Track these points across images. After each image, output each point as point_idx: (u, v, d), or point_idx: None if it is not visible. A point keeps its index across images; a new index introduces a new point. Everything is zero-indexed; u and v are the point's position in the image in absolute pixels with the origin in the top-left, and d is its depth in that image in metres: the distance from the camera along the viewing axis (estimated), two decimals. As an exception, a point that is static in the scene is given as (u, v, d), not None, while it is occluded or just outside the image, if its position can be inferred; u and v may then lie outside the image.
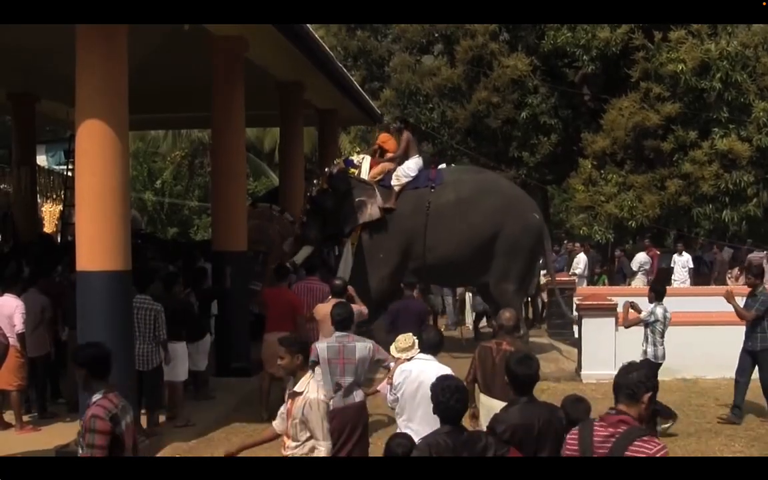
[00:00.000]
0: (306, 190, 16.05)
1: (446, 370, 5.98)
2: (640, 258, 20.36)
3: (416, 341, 6.83)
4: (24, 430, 9.76)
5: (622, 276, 21.11)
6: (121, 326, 8.83)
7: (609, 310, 13.31)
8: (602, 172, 21.30)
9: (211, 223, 15.21)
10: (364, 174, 14.41)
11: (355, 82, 18.71)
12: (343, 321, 7.25)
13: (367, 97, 20.17)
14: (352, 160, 14.76)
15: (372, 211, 13.83)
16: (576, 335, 14.00)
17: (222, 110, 12.76)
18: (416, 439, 5.26)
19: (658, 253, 21.39)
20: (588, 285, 19.67)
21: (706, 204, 20.18)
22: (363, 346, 7.17)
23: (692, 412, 11.20)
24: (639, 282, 20.03)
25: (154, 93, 16.07)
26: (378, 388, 7.20)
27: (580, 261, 20.34)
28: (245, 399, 11.47)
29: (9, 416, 10.03)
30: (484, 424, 7.09)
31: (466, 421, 5.25)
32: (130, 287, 9.12)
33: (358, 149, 30.10)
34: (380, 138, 15.36)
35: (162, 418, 10.00)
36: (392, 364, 6.89)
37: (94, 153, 8.68)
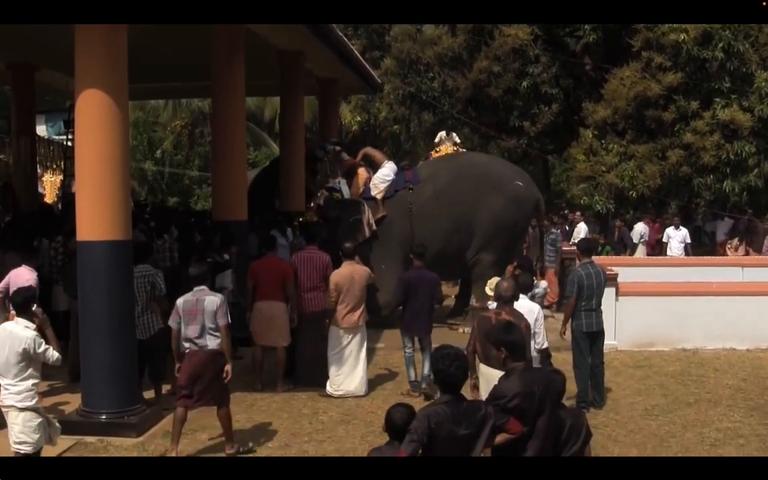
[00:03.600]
0: (306, 163, 16.09)
1: (537, 308, 8.15)
2: (639, 228, 20.38)
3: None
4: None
5: (622, 246, 21.10)
6: (122, 295, 8.87)
7: (610, 281, 13.27)
8: (603, 142, 21.21)
9: (212, 193, 15.20)
10: (347, 194, 14.65)
11: (356, 52, 18.61)
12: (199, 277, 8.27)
13: (367, 66, 20.06)
14: (332, 186, 14.99)
15: (366, 226, 13.97)
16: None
17: (222, 79, 12.71)
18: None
19: (657, 223, 21.37)
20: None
21: (707, 174, 20.10)
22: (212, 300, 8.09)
23: (692, 382, 11.25)
24: (640, 252, 20.04)
25: (154, 62, 16.00)
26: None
27: (581, 230, 20.30)
28: (243, 369, 11.54)
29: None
30: (484, 394, 7.13)
31: (466, 392, 5.30)
32: (130, 257, 9.14)
33: (358, 118, 30.07)
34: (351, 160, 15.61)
35: (168, 387, 10.06)
36: (492, 306, 7.98)
37: (94, 123, 8.66)
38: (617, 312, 12.97)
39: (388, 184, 14.38)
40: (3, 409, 6.87)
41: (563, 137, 24.31)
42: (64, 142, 20.50)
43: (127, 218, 8.97)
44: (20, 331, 6.75)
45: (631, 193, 20.51)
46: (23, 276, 9.15)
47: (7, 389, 6.75)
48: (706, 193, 21.35)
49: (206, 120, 34.06)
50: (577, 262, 10.45)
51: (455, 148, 17.84)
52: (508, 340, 5.47)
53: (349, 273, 10.44)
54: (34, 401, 6.78)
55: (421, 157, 23.86)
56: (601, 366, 10.10)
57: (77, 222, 8.90)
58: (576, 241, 20.02)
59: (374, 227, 14.05)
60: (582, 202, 21.74)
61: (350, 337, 10.51)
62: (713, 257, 19.05)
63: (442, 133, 18.53)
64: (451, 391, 5.02)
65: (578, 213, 21.89)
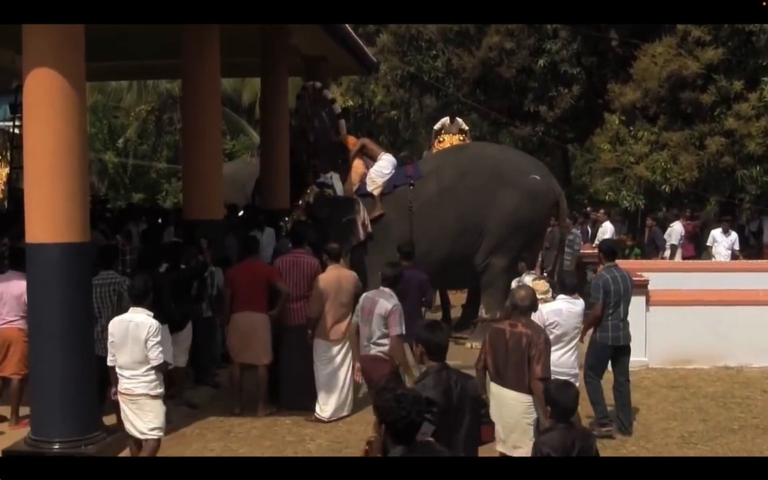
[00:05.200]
0: (291, 153, 16.07)
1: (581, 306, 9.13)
2: (677, 229, 20.11)
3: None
4: (20, 425, 9.80)
5: (654, 248, 21.08)
6: (79, 306, 8.83)
7: (638, 288, 13.26)
8: (631, 128, 21.24)
9: (182, 188, 15.16)
10: (340, 190, 14.55)
11: (348, 26, 18.59)
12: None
13: (361, 43, 20.04)
14: (324, 182, 14.89)
15: (361, 227, 13.92)
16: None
17: (194, 58, 12.67)
18: (570, 369, 8.56)
19: (696, 220, 21.36)
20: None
21: (752, 165, 20.11)
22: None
23: (735, 406, 11.22)
24: (677, 256, 19.93)
25: (115, 37, 15.93)
26: None
27: (606, 230, 20.31)
28: (220, 390, 11.55)
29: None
30: (494, 416, 7.12)
31: None
32: (88, 262, 9.10)
33: (350, 103, 30.08)
34: (349, 143, 15.36)
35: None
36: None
37: (45, 107, 8.61)
38: (647, 324, 12.96)
39: (386, 178, 14.35)
40: (131, 399, 7.86)
41: (585, 124, 24.31)
42: (10, 129, 20.44)
43: (85, 217, 8.92)
44: (145, 319, 7.81)
45: (663, 187, 20.53)
46: (18, 284, 9.50)
47: (136, 378, 7.81)
48: (752, 187, 21.30)
49: (176, 104, 34.05)
50: (600, 266, 10.47)
51: (461, 137, 17.83)
52: (425, 338, 5.97)
53: (336, 277, 10.45)
54: (162, 389, 7.97)
55: (423, 148, 23.90)
56: (626, 384, 10.11)
57: (26, 222, 8.84)
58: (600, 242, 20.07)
59: (370, 228, 14.01)
60: (607, 198, 21.76)
61: (339, 350, 10.51)
62: (760, 261, 18.97)
63: (446, 120, 18.54)
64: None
65: (602, 211, 21.90)
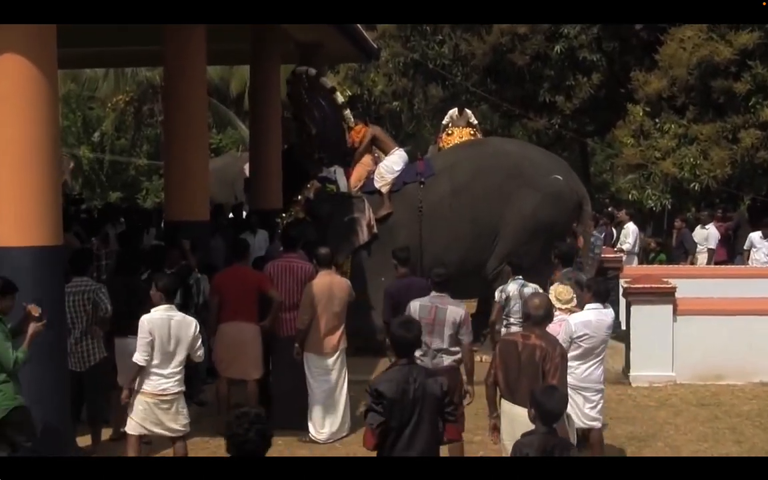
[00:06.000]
0: (289, 148, 16.06)
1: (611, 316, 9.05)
2: (713, 232, 19.97)
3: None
4: None
5: (683, 252, 21.05)
6: (51, 315, 8.81)
7: (665, 296, 13.31)
8: (657, 120, 21.23)
9: (164, 187, 15.19)
10: (343, 186, 14.48)
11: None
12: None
13: (360, 27, 20.07)
14: (326, 176, 14.82)
15: (366, 227, 13.86)
16: (623, 327, 14.01)
17: (177, 43, 12.68)
18: (596, 384, 8.77)
19: (728, 219, 21.33)
20: (639, 263, 19.65)
21: (791, 161, 20.12)
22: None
23: (774, 426, 11.22)
24: (703, 260, 19.86)
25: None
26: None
27: (629, 233, 20.25)
28: (206, 408, 11.57)
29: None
30: (506, 437, 7.13)
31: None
32: (61, 267, 9.11)
33: (349, 93, 30.10)
34: (353, 134, 15.22)
35: (109, 431, 10.11)
36: (560, 316, 8.79)
37: (13, 97, 8.61)
38: (675, 335, 12.99)
39: (396, 175, 14.30)
40: (166, 400, 8.51)
41: (606, 116, 24.30)
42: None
43: (57, 218, 8.94)
44: (185, 317, 8.61)
45: (692, 185, 20.50)
46: None
47: (174, 377, 8.53)
48: (790, 186, 21.35)
49: (157, 95, 34.12)
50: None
51: (470, 131, 17.83)
52: (400, 334, 6.56)
53: (328, 285, 10.44)
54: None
55: (428, 143, 23.92)
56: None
57: (-7, 223, 8.85)
58: (623, 246, 20.07)
59: (375, 229, 13.96)
60: (630, 197, 21.74)
61: (333, 364, 10.52)
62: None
63: (454, 112, 18.55)
64: (406, 355, 5.54)
65: (624, 211, 21.89)
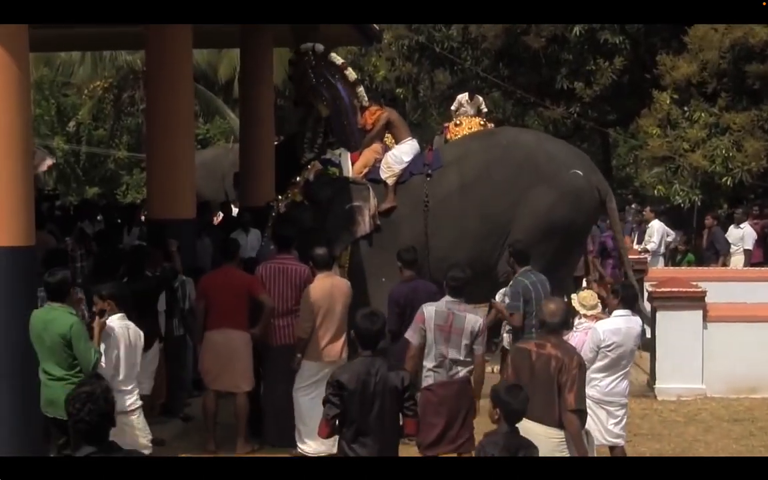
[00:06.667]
0: (278, 138, 16.06)
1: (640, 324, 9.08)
2: (749, 231, 19.96)
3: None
4: None
5: (714, 253, 21.05)
6: (23, 322, 8.83)
7: (694, 301, 13.31)
8: (686, 109, 21.25)
9: (146, 182, 15.20)
10: (347, 172, 14.44)
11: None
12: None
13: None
14: (329, 159, 14.75)
15: (369, 218, 13.81)
16: (647, 335, 14.00)
17: (160, 25, 12.69)
18: (622, 397, 8.82)
19: (763, 221, 21.34)
20: (666, 264, 19.67)
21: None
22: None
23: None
24: (737, 262, 19.83)
25: None
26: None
27: (654, 231, 20.28)
28: (192, 423, 11.59)
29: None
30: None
31: None
32: (34, 269, 9.12)
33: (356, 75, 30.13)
34: (367, 116, 15.14)
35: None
36: (585, 324, 9.06)
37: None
38: (705, 344, 13.01)
39: (404, 166, 14.26)
40: (128, 415, 8.44)
41: (630, 103, 24.34)
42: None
43: (29, 216, 8.96)
44: (131, 325, 8.59)
45: (724, 179, 20.54)
46: None
47: (134, 391, 8.61)
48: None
49: (138, 81, 34.08)
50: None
51: (480, 121, 17.82)
52: (364, 327, 7.09)
53: (329, 287, 10.40)
54: None
55: (435, 133, 23.88)
56: None
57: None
58: (648, 245, 20.10)
59: (378, 221, 13.93)
60: (656, 192, 21.78)
61: (328, 374, 10.47)
62: None
63: (463, 97, 18.55)
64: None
65: (648, 208, 21.92)
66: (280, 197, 14.81)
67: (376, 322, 7.17)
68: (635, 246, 19.94)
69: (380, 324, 7.22)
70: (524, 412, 6.48)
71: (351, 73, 14.94)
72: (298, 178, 14.63)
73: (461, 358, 8.72)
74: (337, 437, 10.49)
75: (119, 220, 16.45)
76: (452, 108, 18.57)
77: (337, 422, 6.97)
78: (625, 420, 9.00)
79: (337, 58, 15.09)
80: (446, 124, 18.48)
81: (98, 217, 17.03)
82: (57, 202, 21.65)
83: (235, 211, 18.06)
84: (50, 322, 8.19)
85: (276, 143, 16.96)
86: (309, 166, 14.58)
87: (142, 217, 16.56)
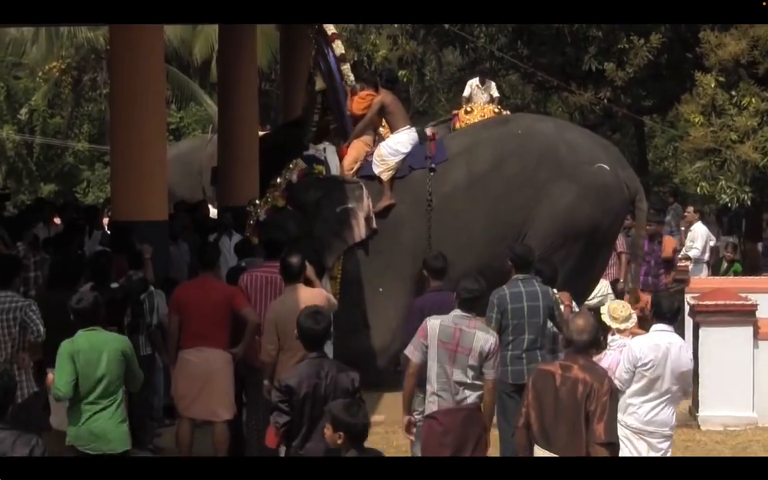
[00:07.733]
0: (265, 127, 16.09)
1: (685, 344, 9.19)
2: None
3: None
4: None
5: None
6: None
7: (743, 316, 13.31)
8: (733, 93, 21.28)
9: (110, 178, 15.24)
10: (335, 169, 14.39)
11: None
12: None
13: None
14: (314, 155, 14.66)
15: (364, 222, 13.78)
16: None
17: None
18: (667, 427, 8.85)
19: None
20: (712, 274, 19.69)
21: None
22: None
23: None
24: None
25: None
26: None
27: (697, 236, 20.27)
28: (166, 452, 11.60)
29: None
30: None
31: None
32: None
33: (349, 60, 30.20)
34: (354, 103, 15.03)
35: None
36: (619, 340, 9.10)
37: None
38: (756, 365, 13.04)
39: (401, 158, 14.24)
40: None
41: (668, 87, 24.36)
42: None
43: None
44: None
45: (779, 175, 20.57)
46: None
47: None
48: None
49: (101, 61, 34.16)
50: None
51: (494, 108, 17.83)
52: (308, 326, 7.69)
53: (293, 303, 10.20)
54: None
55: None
56: None
57: None
58: (690, 252, 20.10)
59: (374, 224, 13.95)
60: (699, 190, 21.78)
61: None
62: None
63: (474, 81, 18.57)
64: (316, 349, 6.83)
65: (690, 208, 21.94)
66: (258, 202, 14.65)
67: (321, 321, 7.72)
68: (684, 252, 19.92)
69: (325, 323, 7.77)
70: (367, 428, 6.70)
71: (338, 46, 15.00)
72: (278, 180, 14.49)
73: (468, 380, 8.64)
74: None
75: (79, 223, 16.46)
76: (464, 95, 18.54)
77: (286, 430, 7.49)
78: (669, 454, 8.94)
79: (330, 27, 15.09)
80: (456, 112, 18.44)
81: (55, 219, 17.04)
82: (7, 201, 21.69)
83: (213, 211, 18.07)
84: (105, 343, 8.56)
85: (262, 134, 16.98)
86: (292, 165, 14.48)
87: (106, 219, 16.62)
